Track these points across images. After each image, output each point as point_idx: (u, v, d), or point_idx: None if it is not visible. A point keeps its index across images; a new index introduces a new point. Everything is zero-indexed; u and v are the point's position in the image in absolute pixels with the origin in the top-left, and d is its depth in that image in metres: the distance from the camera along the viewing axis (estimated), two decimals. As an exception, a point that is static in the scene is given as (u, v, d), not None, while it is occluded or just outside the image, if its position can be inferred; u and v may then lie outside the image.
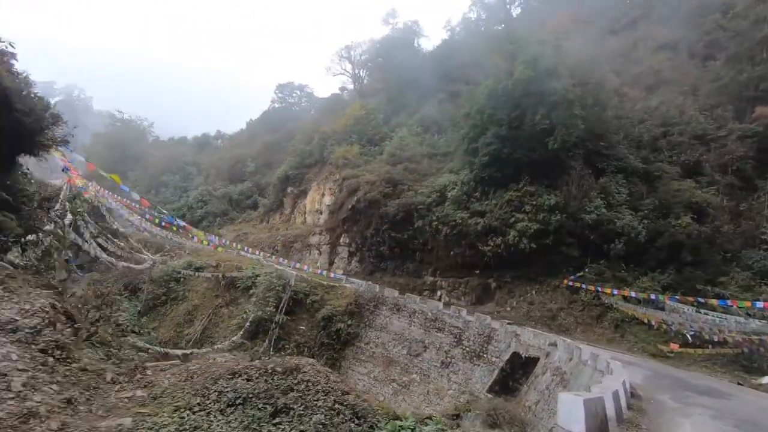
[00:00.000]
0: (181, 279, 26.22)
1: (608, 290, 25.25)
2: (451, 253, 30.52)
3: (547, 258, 28.16)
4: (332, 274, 30.82)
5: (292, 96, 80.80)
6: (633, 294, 24.44)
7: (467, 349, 19.24)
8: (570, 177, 28.58)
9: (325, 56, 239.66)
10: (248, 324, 21.77)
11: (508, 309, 28.34)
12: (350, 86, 63.83)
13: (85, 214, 28.83)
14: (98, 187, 33.89)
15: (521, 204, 28.41)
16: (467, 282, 30.28)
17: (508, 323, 17.94)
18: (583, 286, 26.63)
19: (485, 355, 18.43)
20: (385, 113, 47.50)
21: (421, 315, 21.47)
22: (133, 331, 19.85)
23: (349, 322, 23.75)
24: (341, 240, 35.91)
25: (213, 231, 52.82)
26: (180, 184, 62.19)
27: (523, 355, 16.34)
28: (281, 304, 22.79)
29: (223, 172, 61.89)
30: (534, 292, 28.51)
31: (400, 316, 23.15)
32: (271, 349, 21.07)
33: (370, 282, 28.13)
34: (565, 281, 27.65)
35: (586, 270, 27.79)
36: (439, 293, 30.66)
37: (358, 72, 60.91)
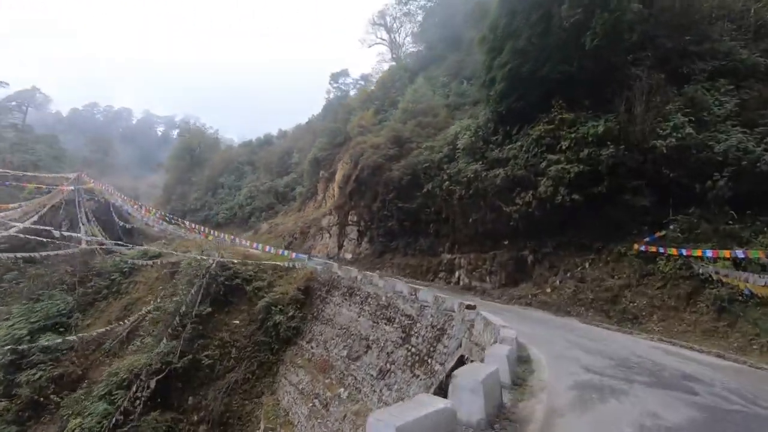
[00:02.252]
0: (127, 270, 23.67)
1: (703, 254, 15.78)
2: (470, 220, 23.03)
3: (603, 214, 19.19)
4: (293, 254, 25.51)
5: (346, 84, 77.81)
6: (745, 256, 14.78)
7: (413, 350, 12.41)
8: (631, 92, 19.11)
9: (359, 28, 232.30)
10: (173, 318, 17.85)
11: (548, 290, 20.03)
12: (389, 56, 57.93)
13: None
14: (110, 188, 33.99)
15: (555, 140, 19.84)
16: (493, 257, 22.46)
17: (468, 306, 10.70)
18: (661, 250, 17.27)
19: (430, 361, 11.47)
20: (412, 71, 40.74)
21: (374, 301, 15.03)
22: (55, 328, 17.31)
23: (292, 314, 18.41)
24: (349, 218, 30.47)
25: (256, 226, 51.71)
26: (234, 183, 62.91)
27: (469, 360, 9.19)
28: (199, 292, 18.42)
29: (272, 167, 60.95)
30: (587, 265, 19.69)
31: (351, 303, 16.97)
32: (179, 350, 16.77)
33: (338, 264, 22.43)
34: (636, 246, 18.37)
35: (670, 227, 18.17)
36: (457, 274, 23.44)
37: (394, 38, 54.77)
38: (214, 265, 19.94)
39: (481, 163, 22.33)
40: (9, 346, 18.67)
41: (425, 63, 41.45)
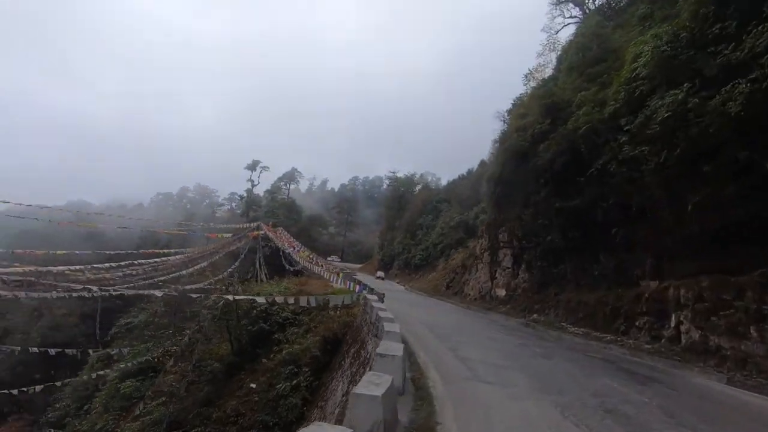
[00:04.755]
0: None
1: None
2: (687, 207, 11.29)
3: None
4: (357, 288, 17.56)
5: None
6: None
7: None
8: None
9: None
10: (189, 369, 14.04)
11: None
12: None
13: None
14: (282, 236, 36.40)
15: None
16: (756, 284, 9.80)
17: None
18: None
19: None
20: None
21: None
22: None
23: (302, 381, 11.21)
24: (500, 238, 21.36)
25: (442, 264, 46.89)
26: (431, 223, 60.61)
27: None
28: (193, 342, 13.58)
29: (463, 199, 55.79)
30: None
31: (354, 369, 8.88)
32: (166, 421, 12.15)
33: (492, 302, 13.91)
34: None
35: None
36: (674, 320, 11.54)
37: (586, 9, 42.32)
38: (220, 303, 15.86)
39: (689, 86, 10.90)
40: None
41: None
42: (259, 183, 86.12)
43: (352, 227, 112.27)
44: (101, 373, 22.98)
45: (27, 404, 38.06)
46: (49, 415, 31.14)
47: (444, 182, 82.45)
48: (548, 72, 29.67)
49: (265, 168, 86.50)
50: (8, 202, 17.04)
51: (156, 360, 20.14)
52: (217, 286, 22.15)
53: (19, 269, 17.58)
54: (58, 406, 31.58)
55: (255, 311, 14.96)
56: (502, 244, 21.36)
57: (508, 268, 20.72)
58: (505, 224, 21.10)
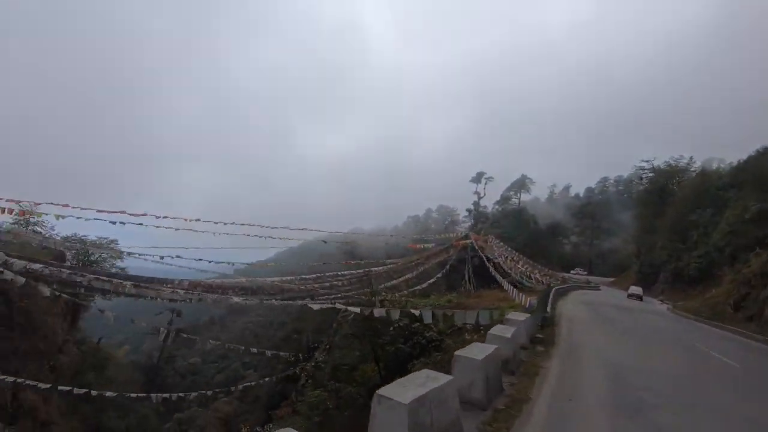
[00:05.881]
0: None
1: None
2: None
3: None
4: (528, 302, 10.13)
5: None
6: None
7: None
8: None
9: None
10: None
11: None
12: None
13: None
14: (493, 245, 32.67)
15: None
16: None
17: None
18: None
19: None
20: None
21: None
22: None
23: None
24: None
25: (730, 275, 32.61)
26: (711, 220, 43.47)
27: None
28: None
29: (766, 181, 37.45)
30: None
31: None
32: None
33: None
34: None
35: None
36: None
37: None
38: (350, 316, 12.49)
39: None
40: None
41: None
42: (485, 195, 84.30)
43: (602, 235, 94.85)
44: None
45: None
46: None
47: (728, 164, 58.51)
48: None
49: (489, 179, 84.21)
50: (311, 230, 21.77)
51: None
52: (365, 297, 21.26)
53: (242, 280, 21.19)
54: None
55: (392, 328, 12.50)
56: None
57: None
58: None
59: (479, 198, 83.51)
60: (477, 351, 6.80)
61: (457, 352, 6.62)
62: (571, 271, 69.73)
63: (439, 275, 29.58)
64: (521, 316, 10.63)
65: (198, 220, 16.67)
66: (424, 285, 26.08)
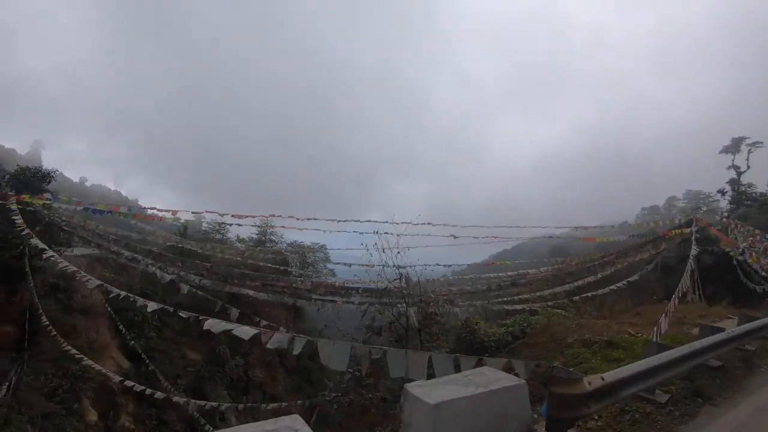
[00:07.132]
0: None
1: None
2: None
3: None
4: None
5: None
6: None
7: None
8: None
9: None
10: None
11: None
12: None
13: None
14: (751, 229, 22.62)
15: None
16: None
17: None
18: None
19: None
20: None
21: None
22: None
23: None
24: None
25: None
26: None
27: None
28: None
29: None
30: None
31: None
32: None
33: None
34: None
35: None
36: None
37: None
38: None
39: None
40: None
41: None
42: (749, 168, 61.52)
43: None
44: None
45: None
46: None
47: None
48: None
49: (756, 144, 61.09)
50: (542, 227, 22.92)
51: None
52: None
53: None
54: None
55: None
56: None
57: None
58: None
59: (738, 173, 61.45)
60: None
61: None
62: None
63: (636, 277, 21.64)
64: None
65: (429, 223, 17.04)
66: (606, 290, 19.69)
